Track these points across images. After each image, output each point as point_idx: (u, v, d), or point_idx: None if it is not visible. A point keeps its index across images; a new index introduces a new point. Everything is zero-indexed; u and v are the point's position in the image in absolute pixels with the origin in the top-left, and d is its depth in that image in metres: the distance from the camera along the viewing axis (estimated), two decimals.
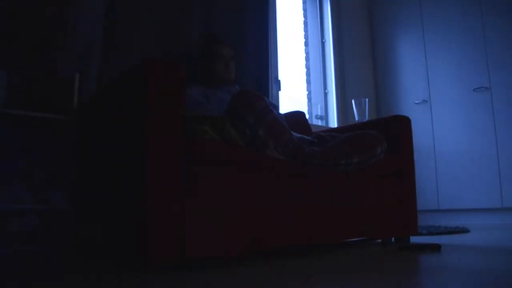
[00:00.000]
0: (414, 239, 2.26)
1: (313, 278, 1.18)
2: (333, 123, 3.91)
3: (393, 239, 2.20)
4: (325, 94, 3.97)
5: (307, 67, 3.98)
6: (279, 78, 3.35)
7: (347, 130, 2.35)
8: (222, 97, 2.14)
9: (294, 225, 1.66)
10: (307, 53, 3.99)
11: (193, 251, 1.37)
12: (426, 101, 3.87)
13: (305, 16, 4.06)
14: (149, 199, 1.29)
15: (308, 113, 3.91)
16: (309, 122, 3.42)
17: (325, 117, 3.96)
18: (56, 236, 1.97)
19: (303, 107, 3.86)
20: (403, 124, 2.24)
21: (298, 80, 3.89)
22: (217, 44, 2.30)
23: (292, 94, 3.75)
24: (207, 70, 2.29)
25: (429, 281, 1.09)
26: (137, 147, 1.38)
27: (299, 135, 2.09)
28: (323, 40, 4.02)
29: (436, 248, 1.76)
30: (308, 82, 3.96)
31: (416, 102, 3.96)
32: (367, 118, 2.49)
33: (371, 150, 1.89)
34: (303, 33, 4.03)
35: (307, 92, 3.94)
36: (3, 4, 1.97)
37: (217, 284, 1.12)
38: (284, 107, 3.40)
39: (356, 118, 2.51)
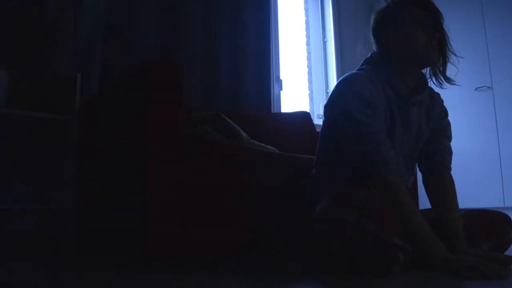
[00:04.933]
0: None
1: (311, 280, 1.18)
2: None
3: None
4: (327, 94, 3.96)
5: (309, 66, 3.97)
6: (281, 77, 3.35)
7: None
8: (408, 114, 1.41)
9: (292, 225, 1.65)
10: (308, 52, 3.98)
11: (194, 249, 1.37)
12: None
13: (306, 15, 4.05)
14: (149, 199, 1.29)
15: (310, 113, 3.90)
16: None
17: None
18: (57, 236, 1.97)
19: (305, 106, 3.85)
20: None
21: (299, 80, 3.88)
22: (415, 5, 1.41)
23: (294, 94, 3.74)
24: (394, 44, 1.42)
25: (430, 283, 1.08)
26: (138, 146, 1.38)
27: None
28: (325, 40, 4.01)
29: None
30: (310, 81, 3.95)
31: None
32: None
33: (502, 234, 1.47)
34: (305, 32, 4.02)
35: (308, 92, 3.93)
36: (4, 5, 1.97)
37: (218, 283, 1.12)
38: (286, 107, 3.40)
39: None
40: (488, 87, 3.51)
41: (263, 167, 1.60)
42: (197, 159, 1.41)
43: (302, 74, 3.92)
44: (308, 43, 4.01)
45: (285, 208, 1.60)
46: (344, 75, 1.39)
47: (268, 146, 1.93)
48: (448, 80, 1.47)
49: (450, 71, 1.45)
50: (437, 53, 1.41)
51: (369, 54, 1.50)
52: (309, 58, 3.98)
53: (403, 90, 1.40)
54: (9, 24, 2.00)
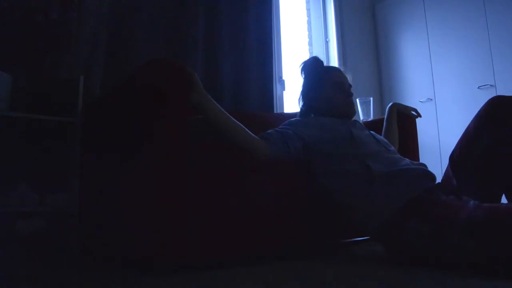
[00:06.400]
0: None
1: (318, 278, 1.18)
2: None
3: None
4: None
5: None
6: (283, 78, 3.35)
7: None
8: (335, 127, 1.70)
9: (296, 225, 1.64)
10: (311, 52, 3.99)
11: (202, 252, 1.37)
12: (431, 99, 3.85)
13: (308, 15, 4.06)
14: (156, 201, 1.29)
15: None
16: None
17: None
18: (62, 238, 1.98)
19: None
20: (408, 123, 2.24)
21: (302, 80, 3.88)
22: (332, 71, 1.98)
23: (297, 94, 3.74)
24: (320, 103, 1.89)
25: (434, 282, 1.08)
26: (143, 148, 1.38)
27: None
28: (327, 40, 4.01)
29: None
30: None
31: (420, 100, 3.94)
32: (371, 117, 2.48)
33: None
34: (307, 32, 4.02)
35: None
36: (8, 8, 1.97)
37: (225, 284, 1.12)
38: (289, 107, 3.40)
39: (361, 117, 2.50)
40: (491, 85, 3.50)
41: (271, 169, 1.60)
42: (204, 161, 1.41)
43: None
44: (310, 43, 4.01)
45: (292, 210, 1.60)
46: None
47: None
48: None
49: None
50: (354, 107, 1.82)
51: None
52: None
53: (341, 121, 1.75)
54: (13, 26, 2.00)
